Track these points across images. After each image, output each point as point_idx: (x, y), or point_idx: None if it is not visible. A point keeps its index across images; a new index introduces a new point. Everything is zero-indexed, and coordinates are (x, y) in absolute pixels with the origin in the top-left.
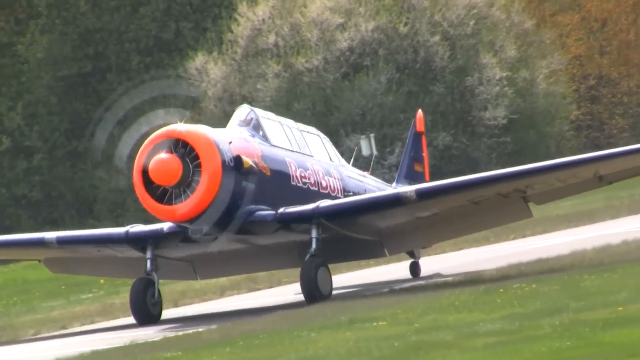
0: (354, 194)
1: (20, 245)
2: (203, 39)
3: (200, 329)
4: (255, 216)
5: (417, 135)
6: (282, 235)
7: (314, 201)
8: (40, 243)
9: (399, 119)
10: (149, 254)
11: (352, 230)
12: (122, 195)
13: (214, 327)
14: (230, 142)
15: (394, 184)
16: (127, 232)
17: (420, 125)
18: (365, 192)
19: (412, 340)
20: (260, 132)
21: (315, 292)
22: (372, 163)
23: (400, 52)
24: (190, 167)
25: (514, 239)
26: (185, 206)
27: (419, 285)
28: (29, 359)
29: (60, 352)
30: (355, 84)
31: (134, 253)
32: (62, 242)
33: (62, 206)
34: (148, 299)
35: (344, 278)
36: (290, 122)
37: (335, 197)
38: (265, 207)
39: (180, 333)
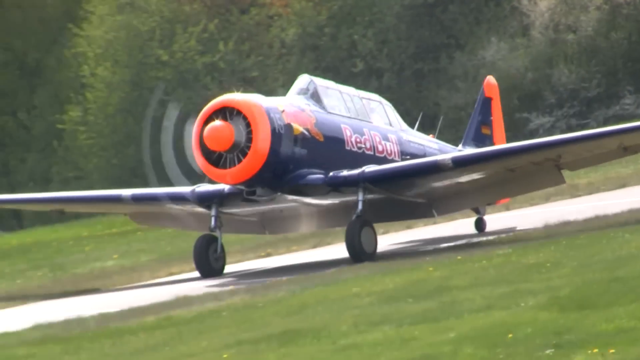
0: (413, 156)
1: (100, 200)
2: None
3: (528, 230)
4: (306, 179)
5: (486, 100)
6: (334, 196)
7: (368, 165)
8: (118, 199)
9: None
10: (213, 212)
11: (397, 193)
12: (459, 112)
13: (540, 227)
14: (283, 111)
15: (459, 145)
16: (193, 191)
17: (489, 91)
18: (424, 155)
19: None
20: (318, 100)
21: (359, 251)
22: (439, 125)
23: None
24: (243, 133)
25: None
26: (235, 170)
27: None
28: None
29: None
30: None
31: (201, 210)
32: (136, 199)
33: (409, 120)
34: (210, 254)
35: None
36: (350, 90)
37: (392, 161)
38: (318, 171)
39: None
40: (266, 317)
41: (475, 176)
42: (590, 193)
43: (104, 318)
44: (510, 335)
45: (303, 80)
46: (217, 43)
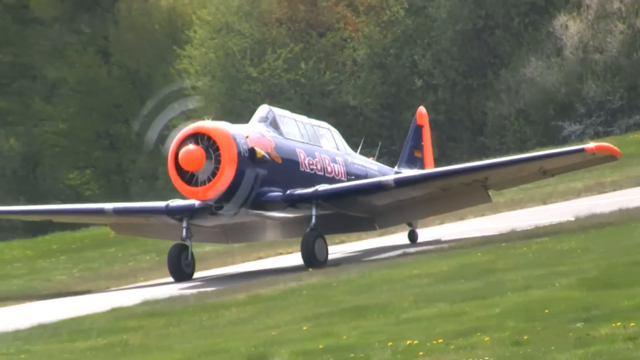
0: (357, 177)
1: (84, 213)
2: (566, 3)
3: (562, 221)
4: (267, 196)
5: (418, 128)
6: (290, 211)
7: (319, 184)
8: (101, 212)
9: None
10: (184, 224)
11: (346, 209)
12: (503, 121)
13: (572, 219)
14: (247, 137)
15: (395, 167)
16: (167, 206)
17: (420, 120)
18: (367, 175)
19: None
20: (276, 127)
21: (312, 259)
22: (377, 150)
23: None
24: (212, 157)
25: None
26: (207, 188)
27: None
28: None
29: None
30: None
31: (173, 222)
32: (118, 212)
33: (461, 127)
34: (182, 260)
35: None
36: (303, 118)
37: (339, 180)
38: (277, 189)
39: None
40: (339, 295)
41: (413, 194)
42: (614, 190)
43: (202, 295)
44: (546, 311)
45: (263, 109)
46: (299, 62)
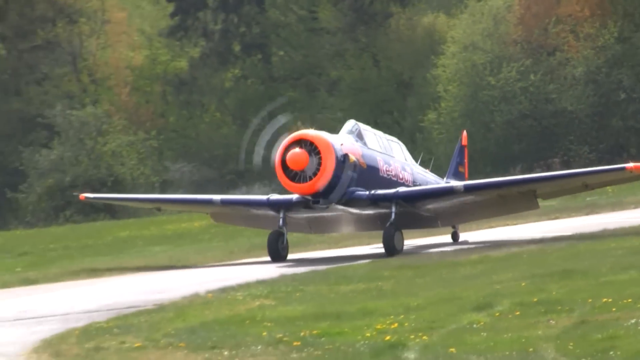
0: (420, 184)
1: (193, 202)
2: None
3: None
4: (355, 195)
5: (462, 148)
6: (371, 208)
7: (394, 187)
8: (209, 202)
9: None
10: (281, 214)
11: (419, 209)
12: None
13: None
14: (342, 144)
15: (444, 178)
16: (268, 199)
17: (464, 141)
18: (426, 182)
19: None
20: (361, 138)
21: (393, 249)
22: (431, 164)
23: None
24: (314, 159)
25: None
26: (308, 185)
27: None
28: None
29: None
30: None
31: (271, 213)
32: (224, 202)
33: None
34: (279, 245)
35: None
36: (380, 133)
37: (407, 186)
38: (362, 189)
39: None
40: (552, 260)
41: (476, 199)
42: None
43: (443, 254)
44: None
45: (350, 123)
46: (529, 74)
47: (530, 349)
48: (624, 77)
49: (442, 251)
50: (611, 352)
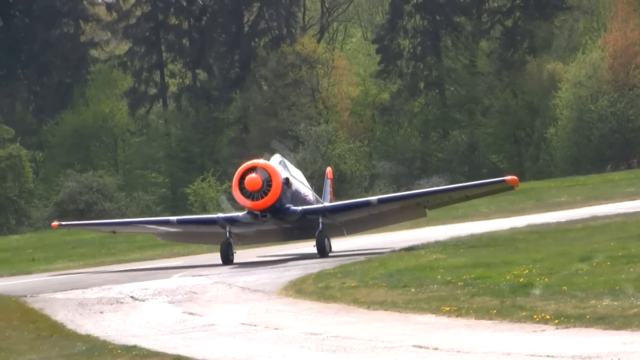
0: (312, 202)
1: (151, 224)
2: None
3: None
4: (290, 210)
5: (327, 181)
6: (302, 221)
7: (306, 205)
8: (166, 222)
9: None
10: (228, 229)
11: (335, 219)
12: None
13: None
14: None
15: (322, 198)
16: (218, 217)
17: (329, 175)
18: (317, 202)
19: None
20: (286, 168)
21: (324, 250)
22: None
23: None
24: (265, 182)
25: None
26: (263, 202)
27: None
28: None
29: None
30: None
31: (216, 229)
32: (180, 222)
33: None
34: (229, 251)
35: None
36: (292, 165)
37: (311, 203)
38: (294, 206)
39: None
40: (631, 228)
41: (382, 209)
42: None
43: (558, 224)
44: None
45: (277, 157)
46: (617, 103)
47: (617, 288)
48: None
49: (557, 221)
50: None
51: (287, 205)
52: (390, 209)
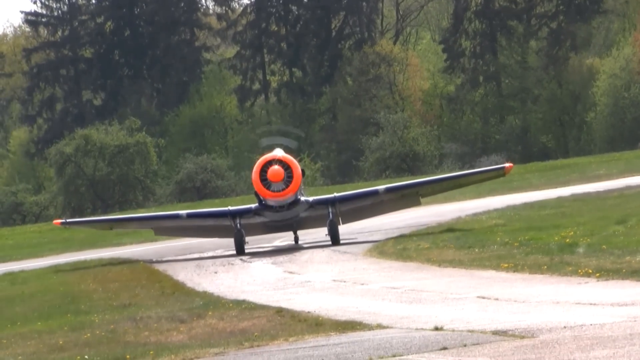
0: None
1: (159, 219)
2: None
3: None
4: (301, 201)
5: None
6: (309, 211)
7: (306, 196)
8: (176, 217)
9: None
10: (238, 220)
11: (338, 209)
12: None
13: None
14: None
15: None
16: (229, 209)
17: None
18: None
19: None
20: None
21: (336, 237)
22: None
23: None
24: (286, 174)
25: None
26: (285, 192)
27: None
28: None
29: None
30: None
31: (223, 222)
32: (190, 216)
33: None
34: (243, 241)
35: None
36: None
37: (303, 195)
38: (305, 197)
39: None
40: None
41: (384, 199)
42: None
43: (600, 194)
44: None
45: (279, 150)
46: None
47: None
48: None
49: (597, 191)
50: None
51: (299, 197)
52: (391, 198)
